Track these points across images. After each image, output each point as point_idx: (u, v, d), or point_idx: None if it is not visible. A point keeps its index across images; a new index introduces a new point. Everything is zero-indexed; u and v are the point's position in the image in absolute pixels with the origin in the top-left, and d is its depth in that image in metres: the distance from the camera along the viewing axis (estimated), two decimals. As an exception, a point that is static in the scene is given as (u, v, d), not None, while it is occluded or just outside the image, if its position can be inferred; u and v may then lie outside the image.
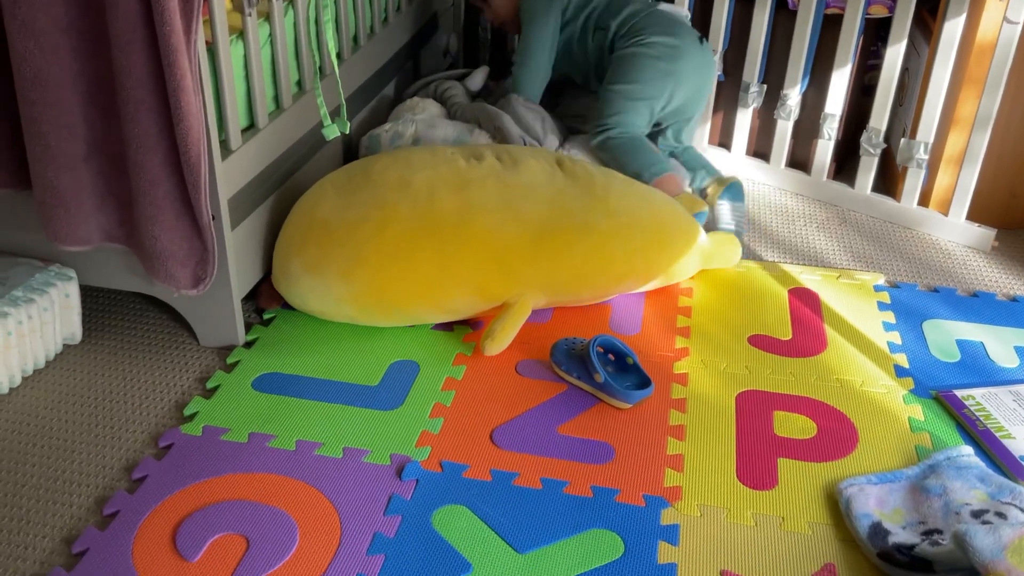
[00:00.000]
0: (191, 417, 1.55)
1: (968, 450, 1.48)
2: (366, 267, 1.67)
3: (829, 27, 2.23)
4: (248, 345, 1.72)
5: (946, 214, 2.16)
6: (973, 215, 2.16)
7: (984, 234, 2.13)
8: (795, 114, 2.30)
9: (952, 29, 2.01)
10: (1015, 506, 1.34)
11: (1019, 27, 1.94)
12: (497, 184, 1.71)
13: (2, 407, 1.56)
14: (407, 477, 1.43)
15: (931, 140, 2.12)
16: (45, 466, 1.44)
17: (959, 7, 1.99)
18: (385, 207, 1.68)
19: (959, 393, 1.62)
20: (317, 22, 1.76)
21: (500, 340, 1.67)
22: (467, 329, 1.78)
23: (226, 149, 1.61)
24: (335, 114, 1.74)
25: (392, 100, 2.41)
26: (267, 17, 1.72)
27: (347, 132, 1.63)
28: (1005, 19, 1.95)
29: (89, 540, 1.30)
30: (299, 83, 1.88)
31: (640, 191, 1.84)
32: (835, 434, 1.54)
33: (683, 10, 2.28)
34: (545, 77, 2.24)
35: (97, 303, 1.83)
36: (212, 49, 1.54)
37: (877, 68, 2.21)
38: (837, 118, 2.24)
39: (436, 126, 2.10)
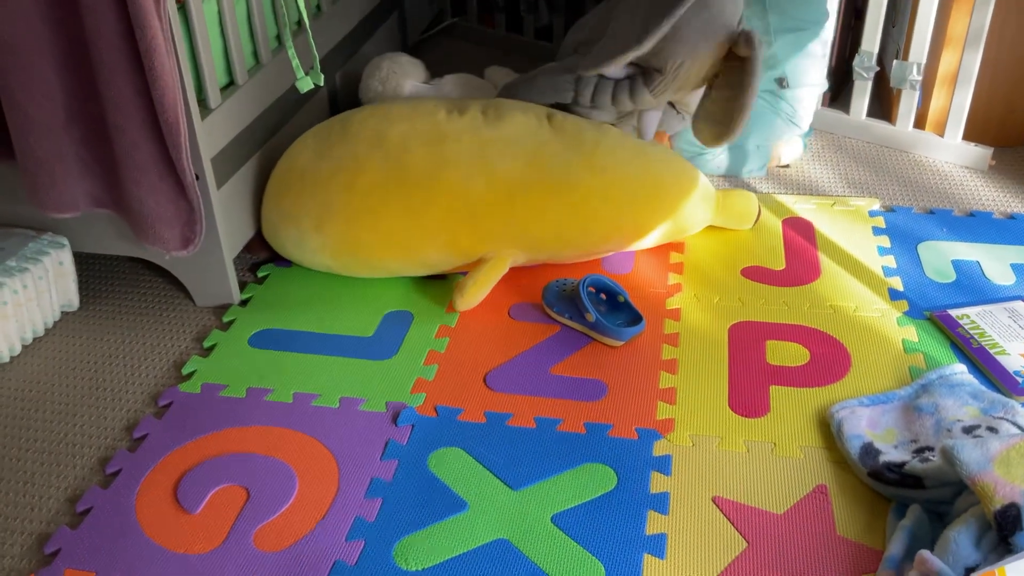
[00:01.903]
0: (189, 376, 1.57)
1: (961, 368, 1.48)
2: (337, 219, 1.68)
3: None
4: (243, 303, 1.74)
5: (942, 135, 2.13)
6: (969, 135, 2.13)
7: (981, 153, 2.10)
8: (785, 42, 2.26)
9: (940, -56, 1.96)
10: (1007, 420, 1.34)
11: (1009, -63, 1.89)
12: (473, 139, 1.69)
13: (3, 375, 1.59)
14: (403, 423, 1.45)
15: (924, 60, 2.08)
16: (48, 430, 1.47)
17: (947, -80, 1.94)
18: (357, 160, 1.67)
19: (953, 312, 1.61)
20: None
21: (470, 296, 1.67)
22: (459, 276, 1.78)
23: (205, 108, 1.61)
24: (311, 68, 1.73)
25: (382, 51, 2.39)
26: (240, -28, 1.70)
27: (321, 85, 1.63)
28: (995, -70, 1.90)
29: (93, 499, 1.33)
30: (278, 37, 1.87)
31: (634, 147, 1.76)
32: (828, 359, 1.54)
33: None
34: None
35: (92, 269, 1.84)
36: (184, 7, 1.53)
37: (868, -10, 2.16)
38: (829, 43, 2.20)
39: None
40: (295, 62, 1.60)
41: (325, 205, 1.67)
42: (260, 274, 1.82)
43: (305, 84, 1.59)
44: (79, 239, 1.71)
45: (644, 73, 1.78)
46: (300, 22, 1.89)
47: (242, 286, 1.78)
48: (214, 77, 1.62)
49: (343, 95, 2.18)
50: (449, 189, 1.66)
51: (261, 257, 1.85)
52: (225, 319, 1.70)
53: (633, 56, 1.69)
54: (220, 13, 1.64)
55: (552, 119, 1.75)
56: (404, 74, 2.08)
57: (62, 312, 1.73)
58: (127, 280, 1.82)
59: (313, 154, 1.71)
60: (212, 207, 1.62)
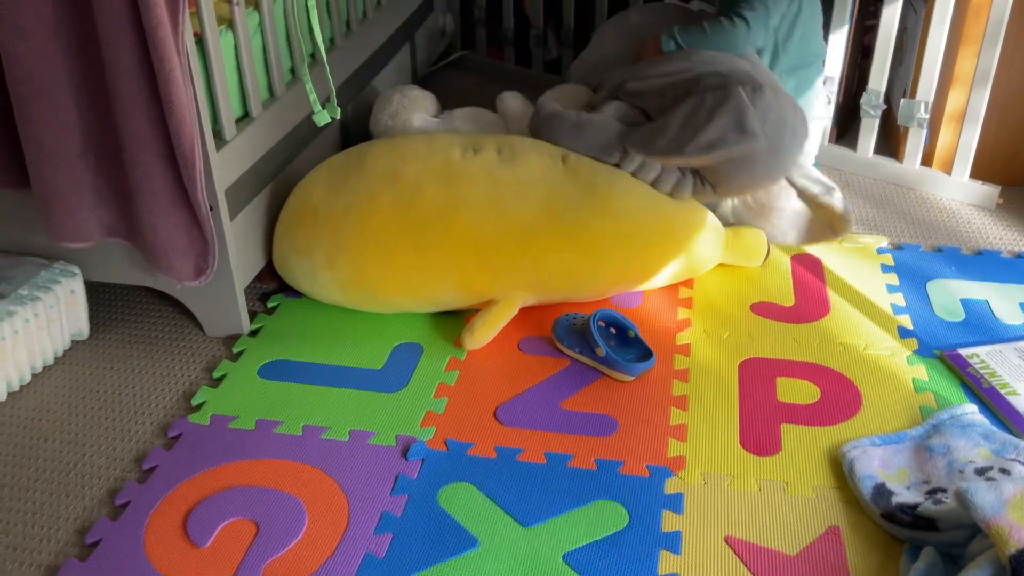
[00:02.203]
0: (199, 407, 1.57)
1: (972, 408, 1.47)
2: (349, 256, 1.68)
3: (825, -11, 2.20)
4: (253, 334, 1.74)
5: (949, 173, 2.15)
6: (976, 173, 2.14)
7: (988, 192, 2.11)
8: (793, 78, 2.28)
9: (948, -15, 1.99)
10: (1019, 462, 1.34)
11: (1016, -20, 1.91)
12: (487, 180, 1.68)
13: (13, 404, 1.59)
14: (413, 457, 1.44)
15: (931, 99, 2.10)
16: (57, 460, 1.47)
17: (954, -37, 1.97)
18: (370, 198, 1.68)
19: (963, 352, 1.62)
20: (306, 8, 1.77)
21: (479, 335, 1.66)
22: (471, 310, 1.78)
23: (220, 139, 1.62)
24: (326, 100, 1.75)
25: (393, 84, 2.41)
26: (256, 5, 1.72)
27: (337, 118, 1.64)
28: (1001, -28, 1.92)
29: (102, 531, 1.33)
30: (292, 70, 1.88)
31: (647, 192, 1.74)
32: (838, 398, 1.54)
33: None
34: None
35: (103, 298, 1.85)
36: (201, 41, 1.55)
37: (875, 28, 2.18)
38: (837, 81, 2.22)
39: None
40: (313, 96, 1.61)
41: (337, 241, 1.68)
42: (270, 304, 1.82)
43: (323, 118, 1.61)
44: (91, 268, 1.72)
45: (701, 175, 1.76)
46: (314, 55, 1.91)
47: (252, 316, 1.78)
48: (229, 109, 1.63)
49: (354, 127, 2.19)
50: (461, 231, 1.66)
51: (271, 287, 1.86)
52: (235, 349, 1.70)
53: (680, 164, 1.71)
54: (236, 47, 1.65)
55: (566, 160, 1.75)
56: (414, 108, 2.09)
57: (72, 341, 1.73)
58: (137, 309, 1.82)
59: (327, 189, 1.72)
60: (225, 238, 1.63)
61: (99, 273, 1.73)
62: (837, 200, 1.81)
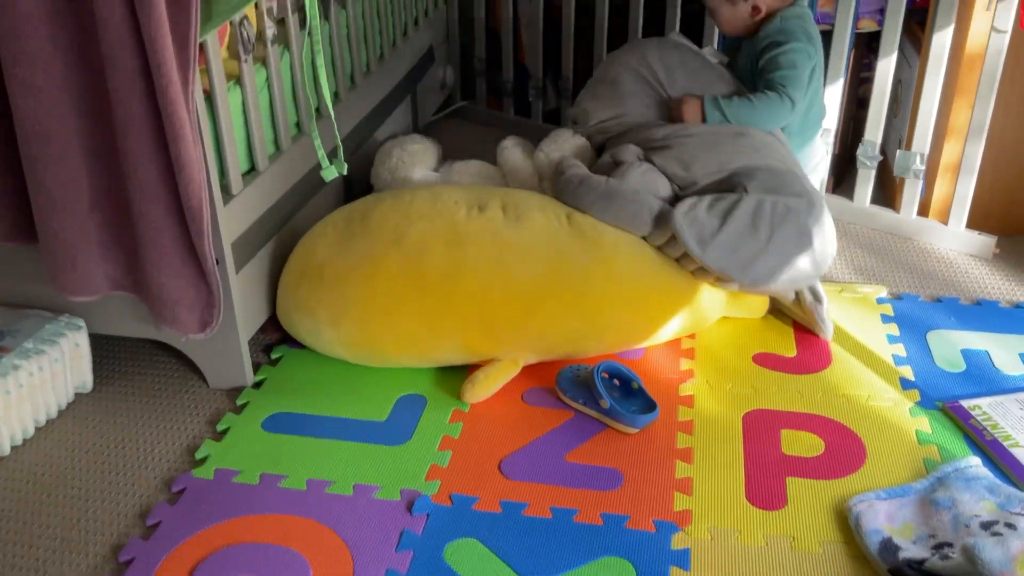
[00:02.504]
0: (202, 461, 1.56)
1: (976, 461, 1.48)
2: (353, 316, 1.68)
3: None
4: (257, 386, 1.74)
5: (946, 223, 2.17)
6: (973, 223, 2.16)
7: (985, 242, 2.14)
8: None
9: (941, 40, 2.03)
10: (1025, 516, 1.34)
11: (1007, 36, 1.95)
12: (493, 241, 1.68)
13: (16, 459, 1.58)
14: (417, 512, 1.44)
15: (927, 150, 2.13)
16: (60, 515, 1.46)
17: (947, 18, 2.01)
18: (375, 259, 1.68)
19: (965, 403, 1.62)
20: (313, 65, 1.80)
21: (480, 391, 1.67)
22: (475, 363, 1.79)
23: (227, 194, 1.64)
24: (332, 155, 1.77)
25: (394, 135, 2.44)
26: (263, 62, 1.75)
27: (344, 173, 1.66)
28: (993, 28, 1.96)
29: (105, 588, 1.32)
30: (298, 124, 1.91)
31: (651, 254, 1.74)
32: (843, 450, 1.55)
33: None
34: None
35: (107, 350, 1.85)
36: (210, 97, 1.57)
37: (870, 81, 2.22)
38: (833, 132, 2.26)
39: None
40: (321, 152, 1.63)
41: (341, 301, 1.68)
42: (274, 355, 1.82)
43: (330, 173, 1.63)
44: (96, 320, 1.72)
45: None
46: (319, 109, 1.94)
47: (256, 367, 1.78)
48: (237, 164, 1.65)
49: (357, 178, 2.21)
50: (467, 295, 1.66)
51: (275, 338, 1.86)
52: (239, 402, 1.70)
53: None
54: (244, 102, 1.68)
55: (571, 218, 1.75)
56: (413, 162, 2.11)
57: (76, 394, 1.73)
58: (140, 361, 1.83)
59: (331, 246, 1.73)
60: (230, 291, 1.64)
61: (104, 326, 1.74)
62: (820, 315, 1.81)
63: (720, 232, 1.66)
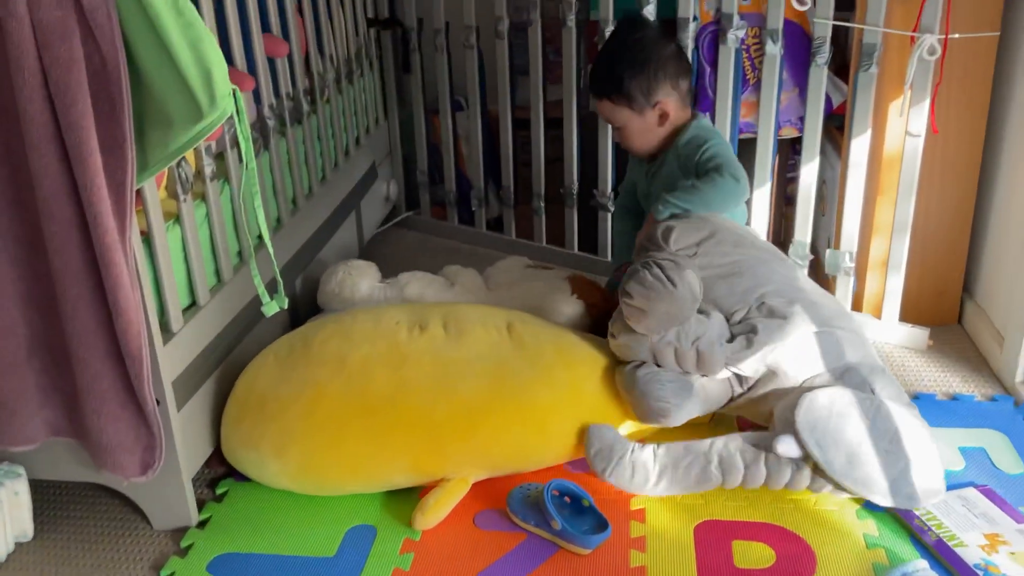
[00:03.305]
0: (147, 610, 1.52)
1: (923, 564, 1.49)
2: (297, 446, 1.68)
3: (745, 149, 2.34)
4: (202, 525, 1.70)
5: (879, 318, 2.23)
6: (907, 316, 2.23)
7: (919, 334, 2.20)
8: (725, 233, 2.38)
9: (859, 145, 2.13)
10: (974, 620, 1.35)
11: (921, 139, 2.05)
12: (434, 360, 1.71)
13: (-50, 620, 1.52)
14: (370, 653, 1.41)
15: (855, 248, 2.21)
16: None
17: (863, 124, 2.11)
18: (318, 385, 1.69)
19: (909, 503, 1.65)
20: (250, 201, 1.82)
21: (431, 516, 1.65)
22: (422, 486, 1.77)
23: (167, 332, 1.63)
24: (273, 288, 1.78)
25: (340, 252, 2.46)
26: (203, 197, 1.77)
27: (285, 307, 1.67)
28: (907, 133, 2.06)
29: None
30: (240, 253, 1.92)
31: (592, 355, 1.78)
32: (793, 559, 1.55)
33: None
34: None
35: (48, 496, 1.80)
36: (148, 238, 1.58)
37: (797, 179, 2.31)
38: (763, 234, 2.33)
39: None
40: (260, 288, 1.65)
41: (285, 432, 1.68)
42: (219, 490, 1.79)
43: (271, 308, 1.64)
44: (36, 467, 1.69)
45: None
46: (261, 237, 1.95)
47: (200, 505, 1.75)
48: (177, 301, 1.65)
49: (303, 301, 2.23)
50: (411, 414, 1.67)
51: (220, 472, 1.84)
52: (183, 544, 1.66)
53: None
54: (184, 240, 1.69)
55: (512, 329, 1.79)
56: (360, 276, 2.14)
57: (16, 543, 1.67)
58: (83, 505, 1.78)
59: (273, 377, 1.73)
60: (172, 430, 1.62)
61: (44, 471, 1.70)
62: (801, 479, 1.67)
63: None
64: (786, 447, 1.60)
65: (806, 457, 1.61)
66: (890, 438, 1.63)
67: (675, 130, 2.02)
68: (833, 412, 1.63)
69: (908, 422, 1.66)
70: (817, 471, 1.61)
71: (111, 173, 1.40)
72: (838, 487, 1.62)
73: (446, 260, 2.61)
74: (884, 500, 1.60)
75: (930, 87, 2.01)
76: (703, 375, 1.72)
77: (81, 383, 1.53)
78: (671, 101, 1.99)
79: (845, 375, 1.70)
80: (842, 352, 1.74)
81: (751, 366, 1.70)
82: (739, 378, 1.74)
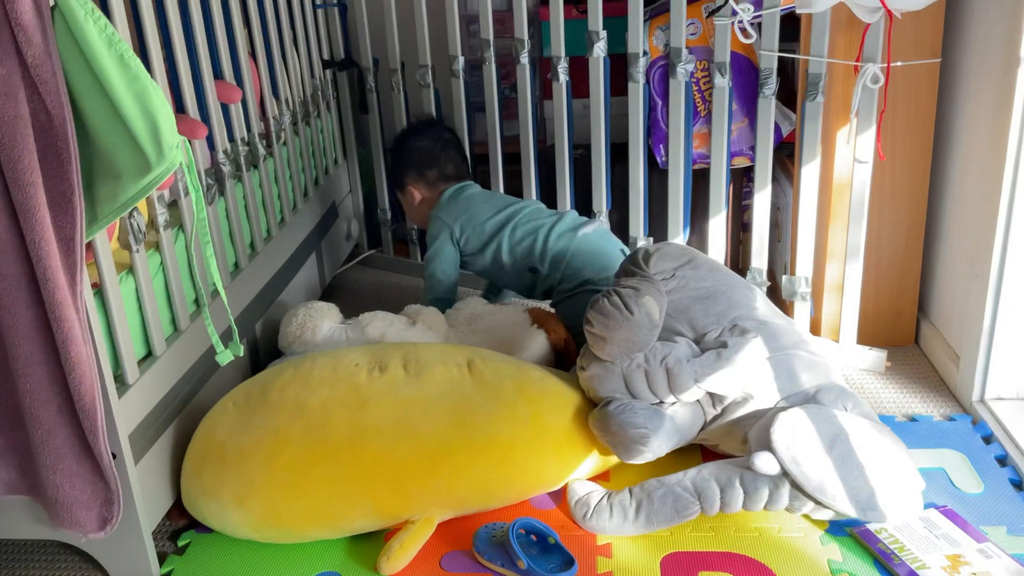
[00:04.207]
0: (107, 670, 1.49)
1: (886, 588, 1.51)
2: (258, 496, 1.66)
3: (700, 179, 2.37)
4: (164, 579, 1.68)
5: (837, 341, 2.26)
6: (864, 338, 2.26)
7: (877, 356, 2.23)
8: (684, 262, 2.41)
9: (809, 173, 2.16)
10: (937, 644, 1.36)
11: (870, 165, 2.10)
12: (394, 401, 1.70)
13: None
14: None
15: (810, 274, 2.24)
16: None
17: (812, 152, 2.15)
18: (278, 432, 1.67)
19: (872, 527, 1.66)
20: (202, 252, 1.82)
21: (396, 560, 1.64)
22: (388, 528, 1.76)
23: (122, 384, 1.61)
24: (228, 336, 1.77)
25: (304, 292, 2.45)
26: (157, 246, 1.76)
27: (241, 355, 1.66)
28: (855, 159, 2.10)
29: None
30: (196, 300, 1.91)
31: (554, 390, 1.79)
32: (759, 589, 1.56)
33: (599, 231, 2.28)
34: (447, 289, 2.33)
35: (5, 555, 1.77)
36: (100, 291, 1.57)
37: (751, 207, 2.34)
38: (721, 261, 2.35)
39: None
40: (215, 338, 1.64)
41: (246, 480, 1.66)
42: (181, 542, 1.77)
43: (225, 357, 1.63)
44: (-11, 527, 1.65)
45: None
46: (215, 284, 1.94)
47: (162, 558, 1.72)
48: (131, 352, 1.64)
49: (264, 345, 2.21)
50: (373, 457, 1.66)
51: (182, 524, 1.81)
52: (145, 599, 1.63)
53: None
54: (138, 290, 1.67)
55: (472, 367, 1.79)
56: (321, 318, 2.13)
57: (-31, 608, 1.64)
58: (41, 564, 1.75)
59: (232, 426, 1.71)
60: (130, 484, 1.59)
61: (1, 530, 1.66)
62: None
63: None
64: (764, 462, 1.63)
65: (784, 474, 1.63)
66: (866, 453, 1.66)
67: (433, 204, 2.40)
68: (809, 428, 1.66)
69: (882, 437, 1.69)
70: (795, 487, 1.63)
71: (60, 228, 1.39)
72: (818, 504, 1.63)
73: (410, 298, 2.63)
74: (862, 514, 1.62)
75: (875, 114, 2.05)
76: (675, 397, 1.74)
77: (35, 440, 1.51)
78: (418, 186, 2.42)
79: (818, 394, 1.75)
80: (814, 373, 1.79)
81: (723, 382, 1.73)
82: (712, 399, 1.77)
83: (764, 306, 1.89)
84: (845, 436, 1.66)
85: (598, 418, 1.75)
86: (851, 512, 1.62)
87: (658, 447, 1.71)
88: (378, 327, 2.12)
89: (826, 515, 1.67)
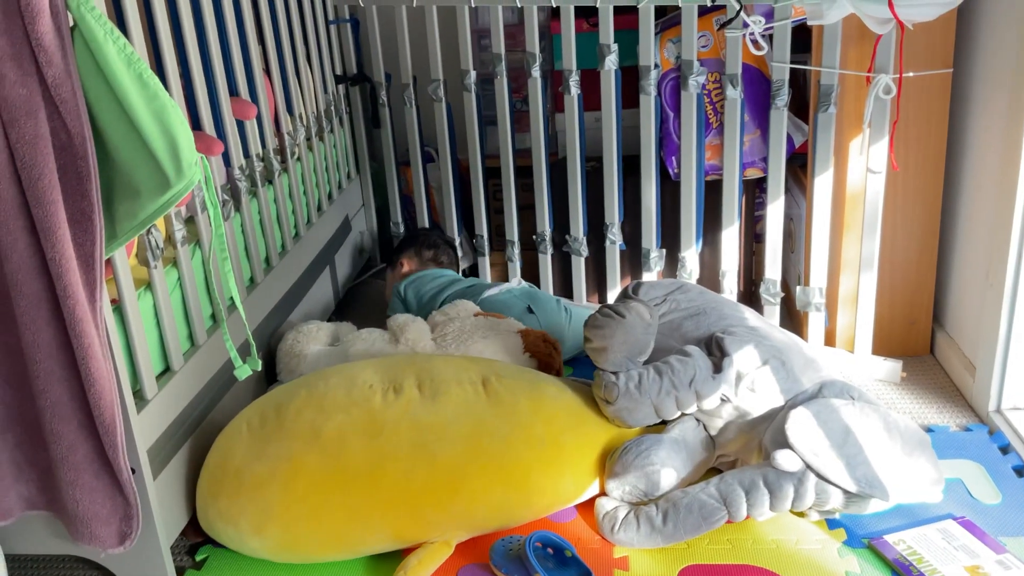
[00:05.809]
0: None
1: (905, 600, 1.50)
2: (276, 524, 1.65)
3: (712, 191, 2.38)
4: (182, 593, 1.68)
5: (852, 351, 2.26)
6: (879, 348, 2.25)
7: (892, 367, 2.22)
8: (696, 273, 2.41)
9: (822, 184, 2.17)
10: (958, 656, 1.36)
11: (883, 176, 2.10)
12: (411, 426, 1.69)
13: None
14: None
15: (824, 284, 2.24)
16: None
17: (825, 163, 2.15)
18: (294, 459, 1.66)
19: (889, 538, 1.66)
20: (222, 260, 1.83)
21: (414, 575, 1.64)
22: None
23: (141, 399, 1.63)
24: (246, 350, 1.78)
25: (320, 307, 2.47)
26: (175, 262, 1.77)
27: (259, 369, 1.67)
28: (868, 170, 2.11)
29: None
30: (212, 315, 1.92)
31: (568, 408, 1.79)
32: (777, 601, 1.55)
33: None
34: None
35: (25, 571, 1.78)
36: (119, 307, 1.58)
37: (764, 218, 2.34)
38: (734, 272, 2.36)
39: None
40: (233, 353, 1.64)
41: (263, 510, 1.65)
42: (199, 557, 1.77)
43: (243, 372, 1.64)
44: (11, 541, 1.66)
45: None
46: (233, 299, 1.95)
47: (180, 572, 1.73)
48: (150, 368, 1.65)
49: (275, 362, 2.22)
50: (391, 483, 1.65)
51: (199, 540, 1.81)
52: (164, 613, 1.64)
53: None
54: (156, 306, 1.69)
55: (487, 385, 1.78)
56: (308, 341, 2.14)
57: (-10, 622, 1.65)
58: (60, 578, 1.76)
59: (248, 451, 1.69)
60: (149, 499, 1.60)
61: (19, 546, 1.67)
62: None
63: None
64: (785, 459, 1.66)
65: (806, 468, 1.66)
66: (881, 435, 1.70)
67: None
68: (822, 419, 1.70)
69: (894, 418, 1.75)
70: (820, 479, 1.66)
71: (80, 245, 1.40)
72: (847, 494, 1.66)
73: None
74: (888, 496, 1.66)
75: (888, 125, 2.06)
76: (699, 407, 1.80)
77: (55, 455, 1.52)
78: (412, 261, 2.63)
79: (824, 388, 1.78)
80: (817, 369, 1.83)
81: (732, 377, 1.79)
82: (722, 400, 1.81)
83: (753, 317, 1.94)
84: (859, 422, 1.70)
85: (616, 464, 1.77)
86: (878, 494, 1.65)
87: (668, 476, 1.76)
88: (361, 347, 2.10)
89: (853, 509, 1.69)
